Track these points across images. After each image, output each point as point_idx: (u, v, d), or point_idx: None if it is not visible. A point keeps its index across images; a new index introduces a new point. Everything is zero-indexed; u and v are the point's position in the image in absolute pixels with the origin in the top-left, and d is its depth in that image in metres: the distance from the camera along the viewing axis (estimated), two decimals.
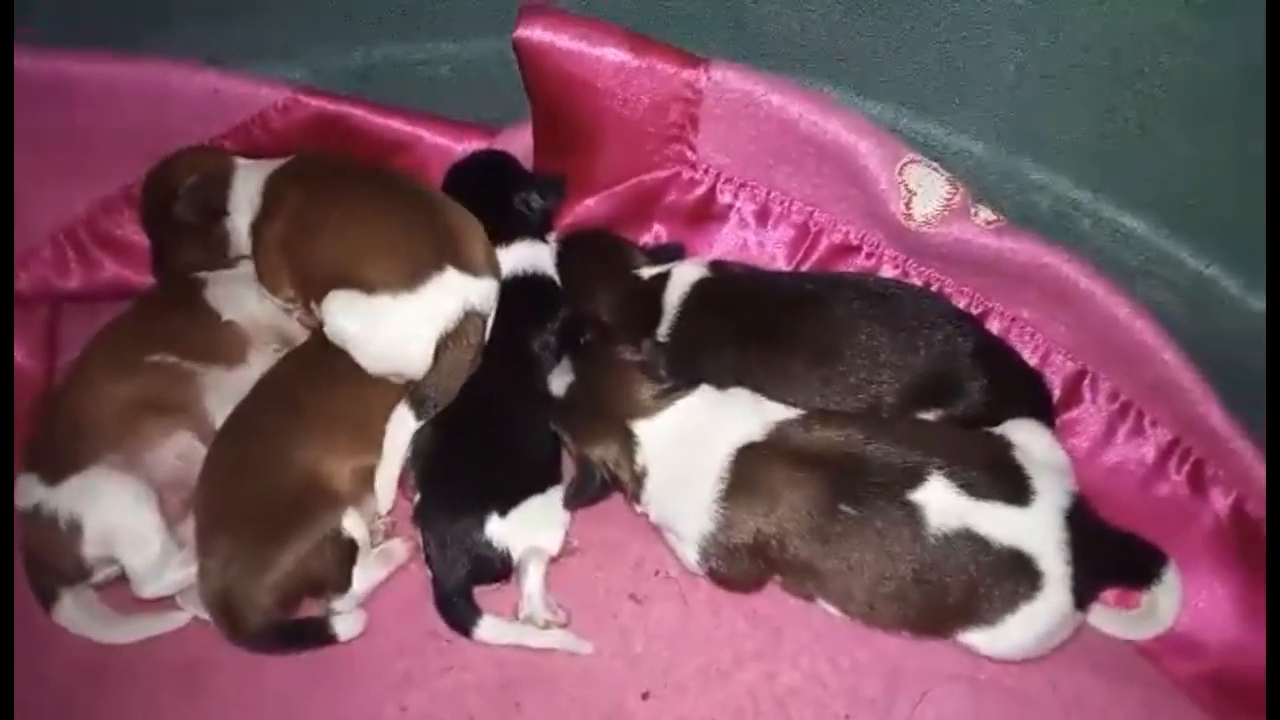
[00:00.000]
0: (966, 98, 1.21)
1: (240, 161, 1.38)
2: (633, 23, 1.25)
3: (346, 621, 1.21)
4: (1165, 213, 1.15)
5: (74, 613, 1.25)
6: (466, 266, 1.23)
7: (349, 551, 1.21)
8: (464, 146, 1.44)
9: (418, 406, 1.20)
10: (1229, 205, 1.09)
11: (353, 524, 1.21)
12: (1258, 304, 1.10)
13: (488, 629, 1.19)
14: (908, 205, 1.22)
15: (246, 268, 1.39)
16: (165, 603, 1.26)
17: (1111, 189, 1.18)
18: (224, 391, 1.31)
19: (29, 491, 1.23)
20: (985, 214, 1.21)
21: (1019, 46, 1.11)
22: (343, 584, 1.21)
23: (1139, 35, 1.02)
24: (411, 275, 1.20)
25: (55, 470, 1.22)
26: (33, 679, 1.24)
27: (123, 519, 1.21)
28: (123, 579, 1.26)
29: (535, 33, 1.22)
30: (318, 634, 1.21)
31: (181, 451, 1.27)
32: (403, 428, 1.20)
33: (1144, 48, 1.02)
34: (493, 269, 1.28)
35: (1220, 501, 1.18)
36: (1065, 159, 1.19)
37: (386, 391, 1.25)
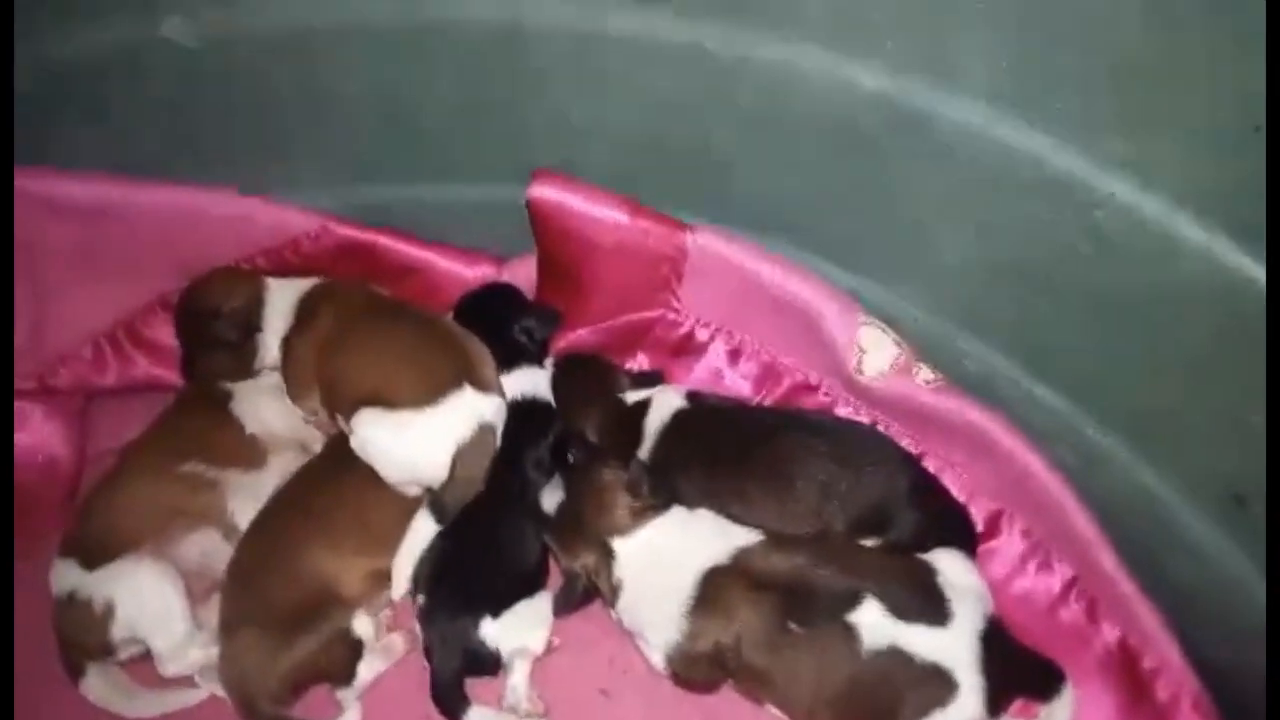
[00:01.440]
0: (912, 274, 1.39)
1: (270, 281, 1.52)
2: (630, 188, 1.42)
3: None
4: (1072, 387, 1.33)
5: (99, 686, 1.36)
6: (481, 385, 1.38)
7: (355, 649, 1.34)
8: (474, 271, 1.59)
9: (438, 511, 1.33)
10: (1126, 388, 1.26)
11: (360, 624, 1.34)
12: (1144, 475, 1.28)
13: (475, 717, 1.31)
14: (860, 362, 1.40)
15: (268, 380, 1.53)
16: (184, 680, 1.37)
17: (1028, 363, 1.36)
18: (245, 493, 1.44)
19: (66, 576, 1.35)
20: (925, 373, 1.39)
21: (952, 242, 1.30)
22: (348, 677, 1.34)
23: (1051, 249, 1.20)
24: (434, 391, 1.34)
25: (93, 558, 1.34)
26: None
27: (153, 604, 1.33)
28: (145, 657, 1.37)
29: (546, 193, 1.40)
30: None
31: (205, 548, 1.40)
32: (423, 529, 1.33)
33: (1053, 258, 1.21)
34: (501, 389, 1.43)
35: (1109, 633, 1.35)
36: (992, 333, 1.37)
37: (394, 501, 1.39)
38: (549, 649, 1.38)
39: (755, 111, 1.29)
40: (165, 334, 1.57)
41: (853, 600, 1.25)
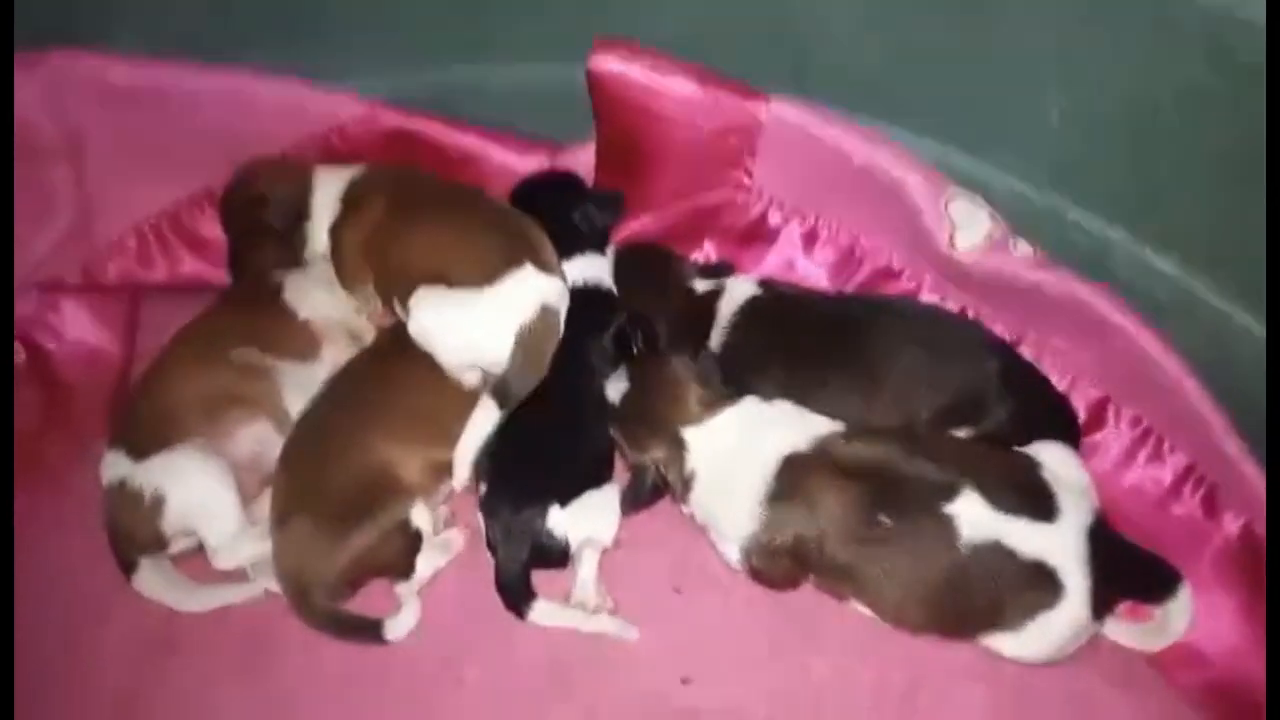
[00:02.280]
0: (1011, 139, 1.29)
1: (318, 169, 1.46)
2: (699, 57, 1.33)
3: (397, 625, 1.27)
4: (1193, 255, 1.22)
5: (152, 580, 1.32)
6: (542, 265, 1.31)
7: (415, 541, 1.28)
8: (528, 161, 1.52)
9: (500, 396, 1.27)
10: (1254, 251, 1.15)
11: (420, 515, 1.28)
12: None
13: (541, 612, 1.26)
14: (951, 236, 1.30)
15: (320, 269, 1.48)
16: (237, 574, 1.33)
17: (1144, 230, 1.25)
18: (299, 384, 1.38)
19: (116, 465, 1.31)
20: (1024, 248, 1.29)
21: (1063, 94, 1.20)
22: (407, 570, 1.29)
23: (1175, 91, 1.10)
24: (493, 271, 1.27)
25: (142, 448, 1.30)
26: (102, 644, 1.32)
27: (203, 494, 1.28)
28: (198, 552, 1.33)
29: (609, 63, 1.31)
30: (369, 631, 1.27)
31: (258, 437, 1.35)
32: (486, 417, 1.27)
33: (1178, 103, 1.10)
34: (562, 272, 1.36)
35: (1231, 524, 1.25)
36: (1101, 201, 1.27)
37: (455, 389, 1.33)
38: (616, 544, 1.31)
39: None
40: (211, 229, 1.53)
41: (950, 491, 1.17)
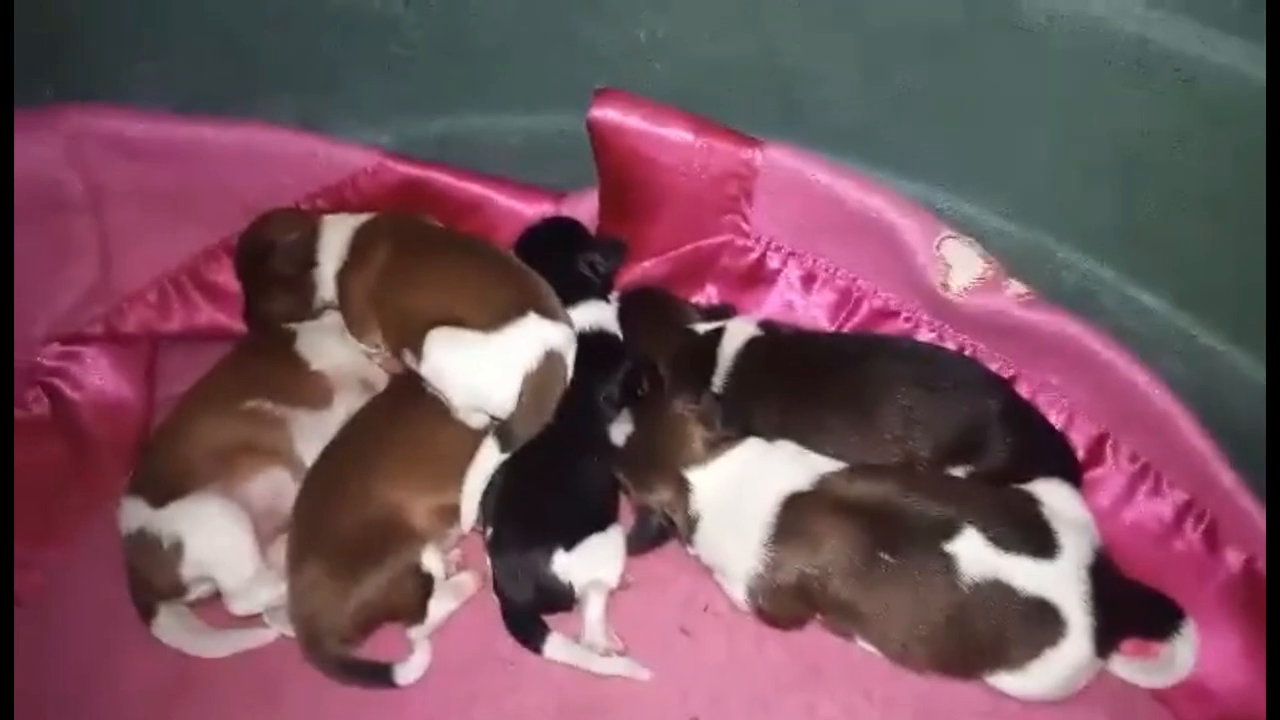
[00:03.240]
0: (1001, 181, 1.31)
1: (326, 217, 1.50)
2: (694, 106, 1.37)
3: (408, 670, 1.28)
4: (1180, 292, 1.23)
5: (170, 626, 1.35)
6: (546, 312, 1.34)
7: (426, 585, 1.30)
8: (533, 209, 1.55)
9: (504, 439, 1.29)
10: (1238, 288, 1.17)
11: (430, 559, 1.30)
12: (1262, 376, 1.18)
13: (555, 646, 1.27)
14: (945, 277, 1.32)
15: (332, 319, 1.51)
16: (253, 620, 1.35)
17: (1132, 269, 1.26)
18: (311, 432, 1.42)
19: (135, 514, 1.34)
20: (1016, 288, 1.31)
21: (1049, 139, 1.21)
22: (419, 614, 1.30)
23: (1155, 135, 1.12)
24: (499, 318, 1.30)
25: (161, 496, 1.33)
26: (116, 691, 1.34)
27: (221, 541, 1.31)
28: (214, 598, 1.36)
29: (609, 113, 1.35)
30: (379, 676, 1.28)
31: (274, 485, 1.39)
32: (489, 458, 1.30)
33: (1160, 147, 1.12)
34: (568, 318, 1.39)
35: (1233, 558, 1.25)
36: (1089, 240, 1.28)
37: (462, 433, 1.35)
38: (623, 585, 1.33)
39: (825, 15, 1.23)
40: (228, 278, 1.56)
41: (950, 528, 1.18)
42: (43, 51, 1.39)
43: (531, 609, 1.28)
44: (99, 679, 1.36)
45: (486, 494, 1.32)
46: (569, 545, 1.27)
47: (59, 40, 1.40)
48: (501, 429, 1.30)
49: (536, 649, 1.27)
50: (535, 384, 1.30)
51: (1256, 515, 1.20)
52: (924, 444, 1.31)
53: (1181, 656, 1.23)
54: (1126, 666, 1.25)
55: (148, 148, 1.45)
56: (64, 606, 1.43)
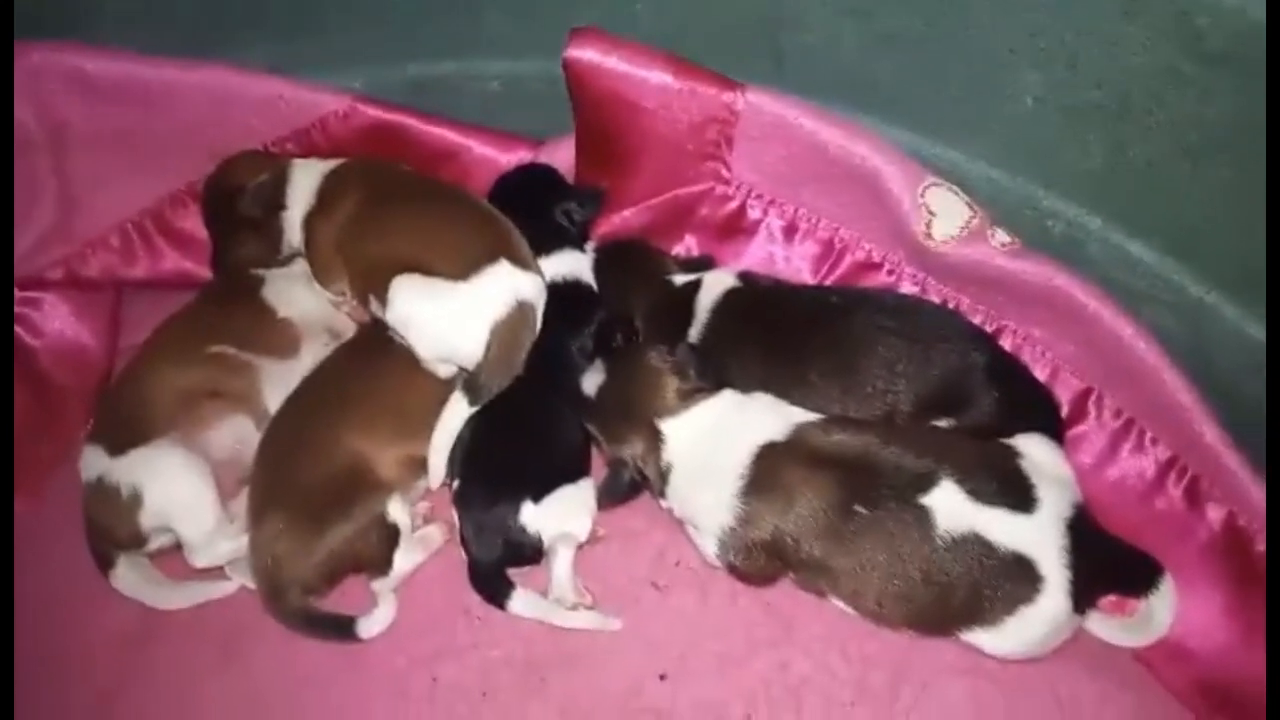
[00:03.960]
0: (987, 127, 1.27)
1: (295, 160, 1.46)
2: (676, 50, 1.32)
3: (371, 623, 1.26)
4: (1169, 241, 1.21)
5: (129, 578, 1.32)
6: (517, 260, 1.30)
7: (392, 536, 1.27)
8: (509, 157, 1.51)
9: (472, 392, 1.26)
10: (1229, 237, 1.14)
11: (396, 510, 1.27)
12: (1252, 330, 1.15)
13: (520, 602, 1.25)
14: (928, 226, 1.28)
15: (300, 266, 1.48)
16: (214, 572, 1.33)
17: (1120, 217, 1.23)
18: (278, 381, 1.38)
19: (94, 462, 1.31)
20: (1001, 236, 1.27)
21: (1037, 81, 1.18)
22: (384, 566, 1.28)
23: (1147, 76, 1.08)
24: (469, 265, 1.27)
25: (120, 443, 1.30)
26: (81, 643, 1.32)
27: (181, 490, 1.28)
28: (175, 549, 1.33)
29: (586, 53, 1.30)
30: (342, 630, 1.26)
31: (237, 434, 1.35)
32: (457, 412, 1.26)
33: (1151, 88, 1.09)
34: (538, 268, 1.35)
35: (1214, 515, 1.23)
36: (1077, 188, 1.25)
37: (430, 383, 1.32)
38: (594, 538, 1.31)
39: None
40: (194, 225, 1.52)
41: (927, 481, 1.15)
42: None
43: (498, 564, 1.25)
44: (64, 631, 1.34)
45: (454, 447, 1.29)
46: (537, 496, 1.24)
47: None
48: (469, 381, 1.27)
49: (501, 605, 1.25)
50: (504, 334, 1.27)
51: (1239, 472, 1.17)
52: (906, 397, 1.28)
53: (1159, 614, 1.22)
54: (1104, 625, 1.24)
55: (111, 88, 1.41)
56: (28, 558, 1.40)
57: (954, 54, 1.21)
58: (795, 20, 1.29)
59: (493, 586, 1.25)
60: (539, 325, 1.32)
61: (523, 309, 1.29)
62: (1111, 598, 1.25)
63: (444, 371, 1.33)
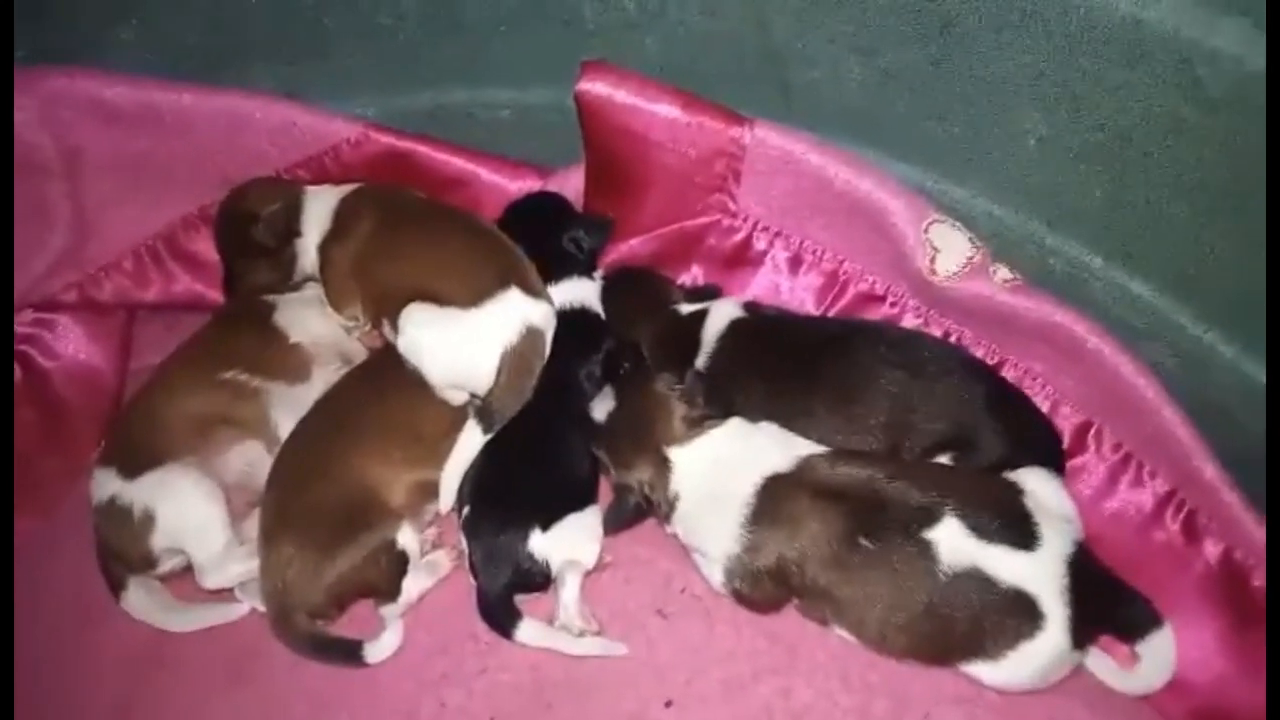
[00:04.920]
0: (990, 165, 1.29)
1: (309, 188, 1.48)
2: (685, 83, 1.35)
3: (378, 648, 1.27)
4: (1169, 280, 1.23)
5: (140, 600, 1.33)
6: (528, 288, 1.32)
7: (401, 562, 1.28)
8: (518, 185, 1.53)
9: (485, 420, 1.28)
10: (1227, 276, 1.16)
11: (406, 536, 1.28)
12: (1250, 367, 1.17)
13: (527, 631, 1.25)
14: (932, 261, 1.30)
15: (312, 291, 1.49)
16: (224, 595, 1.33)
17: (1120, 256, 1.25)
18: (289, 406, 1.40)
19: (106, 484, 1.32)
20: (1003, 273, 1.29)
21: (1040, 122, 1.20)
22: (393, 592, 1.28)
23: (1148, 120, 1.10)
24: (480, 292, 1.28)
25: (132, 466, 1.31)
26: (90, 664, 1.33)
27: (193, 512, 1.29)
28: (185, 572, 1.34)
29: (596, 86, 1.32)
30: (350, 654, 1.27)
31: (248, 458, 1.37)
32: (472, 440, 1.28)
33: (1152, 132, 1.11)
34: (548, 296, 1.37)
35: (1211, 550, 1.24)
36: (1079, 226, 1.27)
37: (441, 410, 1.34)
38: (600, 566, 1.32)
39: None
40: (207, 248, 1.54)
41: (930, 516, 1.16)
42: (19, 12, 1.36)
43: (506, 591, 1.26)
44: (74, 652, 1.35)
45: (464, 474, 1.30)
46: (545, 525, 1.25)
47: (36, 0, 1.37)
48: (482, 409, 1.29)
49: (508, 634, 1.26)
50: (514, 361, 1.28)
51: (1236, 506, 1.19)
52: (908, 429, 1.29)
53: (1157, 668, 1.21)
54: (1103, 667, 1.24)
55: (126, 113, 1.43)
56: (38, 578, 1.41)
57: (958, 93, 1.23)
58: (802, 56, 1.32)
59: (500, 616, 1.26)
60: (548, 352, 1.34)
61: (533, 336, 1.30)
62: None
63: (456, 398, 1.34)
